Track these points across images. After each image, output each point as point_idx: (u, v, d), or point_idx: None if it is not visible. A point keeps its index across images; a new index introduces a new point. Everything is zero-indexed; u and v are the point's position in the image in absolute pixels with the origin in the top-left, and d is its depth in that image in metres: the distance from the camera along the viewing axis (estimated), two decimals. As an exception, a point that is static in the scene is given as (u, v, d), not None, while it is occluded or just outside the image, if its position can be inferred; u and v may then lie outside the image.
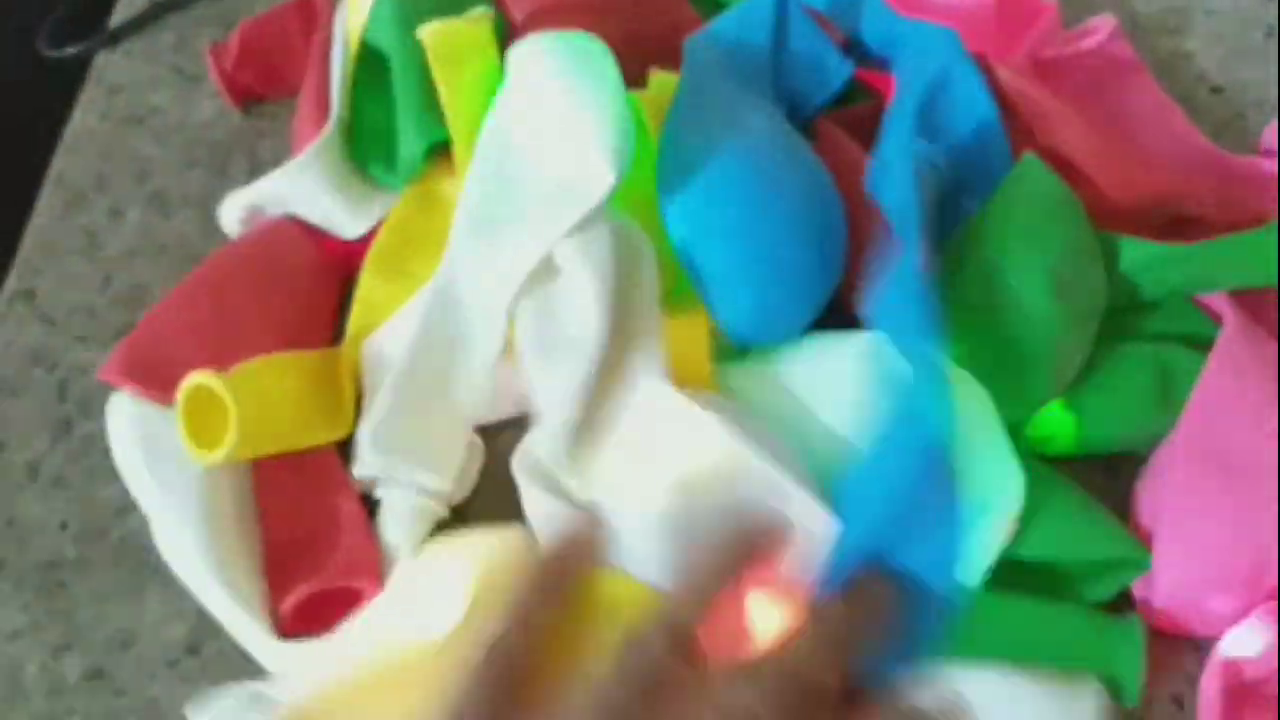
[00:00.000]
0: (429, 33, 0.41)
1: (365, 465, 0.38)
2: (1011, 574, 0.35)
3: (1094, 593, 0.37)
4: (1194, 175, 0.44)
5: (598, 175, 0.37)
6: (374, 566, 0.37)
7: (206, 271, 0.43)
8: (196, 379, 0.37)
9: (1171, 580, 0.36)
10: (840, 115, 0.45)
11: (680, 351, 0.38)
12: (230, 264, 0.43)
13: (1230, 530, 0.36)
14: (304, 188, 0.43)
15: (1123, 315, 0.40)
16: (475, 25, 0.42)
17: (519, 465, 0.38)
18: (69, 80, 0.52)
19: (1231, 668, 0.35)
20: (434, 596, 0.33)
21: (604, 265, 0.37)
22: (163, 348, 0.40)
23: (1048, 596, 0.36)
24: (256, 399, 0.37)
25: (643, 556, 0.32)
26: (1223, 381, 0.37)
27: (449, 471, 0.38)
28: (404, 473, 0.37)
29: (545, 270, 0.38)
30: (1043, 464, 0.37)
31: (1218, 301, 0.39)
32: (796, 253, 0.38)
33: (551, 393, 0.37)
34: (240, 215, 0.45)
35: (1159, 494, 0.37)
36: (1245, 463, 0.36)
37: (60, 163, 0.51)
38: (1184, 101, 0.48)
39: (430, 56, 0.41)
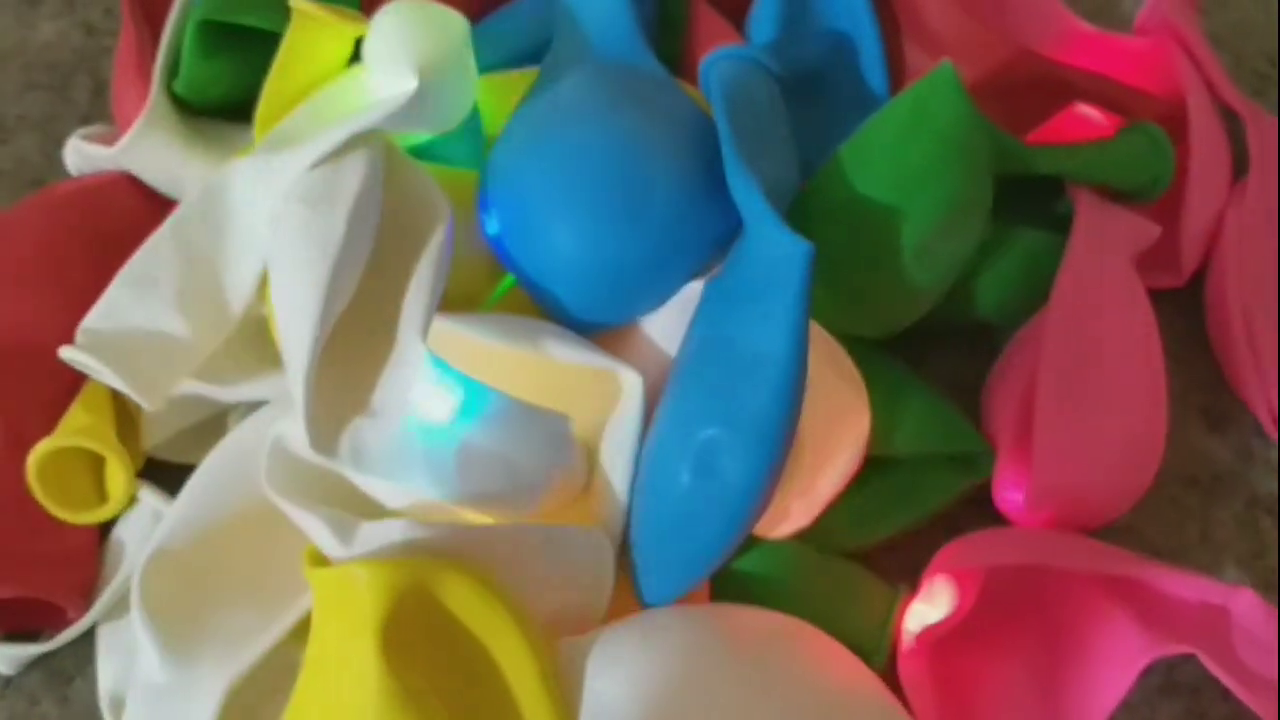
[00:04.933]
0: (298, 2, 0.37)
1: (71, 349, 0.34)
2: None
3: (929, 502, 0.38)
4: (1065, 55, 0.42)
5: (399, 82, 0.34)
6: (87, 589, 0.37)
7: (8, 214, 0.41)
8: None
9: (1045, 482, 0.35)
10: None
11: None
12: (31, 211, 0.40)
13: (1103, 419, 0.36)
14: (142, 161, 0.41)
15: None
16: (346, 20, 0.37)
17: (271, 481, 0.33)
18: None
19: (926, 639, 0.35)
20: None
21: (346, 197, 0.33)
22: None
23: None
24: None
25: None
26: (1085, 266, 0.38)
27: (152, 390, 0.34)
28: (103, 372, 0.33)
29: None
30: (879, 352, 0.38)
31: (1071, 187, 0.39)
32: (592, 220, 0.34)
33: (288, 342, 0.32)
34: (78, 163, 0.43)
35: (1020, 391, 0.38)
36: (1113, 349, 0.37)
37: (-108, 92, 0.49)
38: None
39: (290, 31, 0.37)
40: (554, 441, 0.34)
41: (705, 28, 0.41)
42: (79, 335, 0.34)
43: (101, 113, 0.47)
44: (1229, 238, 0.41)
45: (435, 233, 0.34)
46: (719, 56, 0.36)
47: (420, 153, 0.39)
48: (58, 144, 0.46)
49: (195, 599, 0.34)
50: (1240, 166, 0.43)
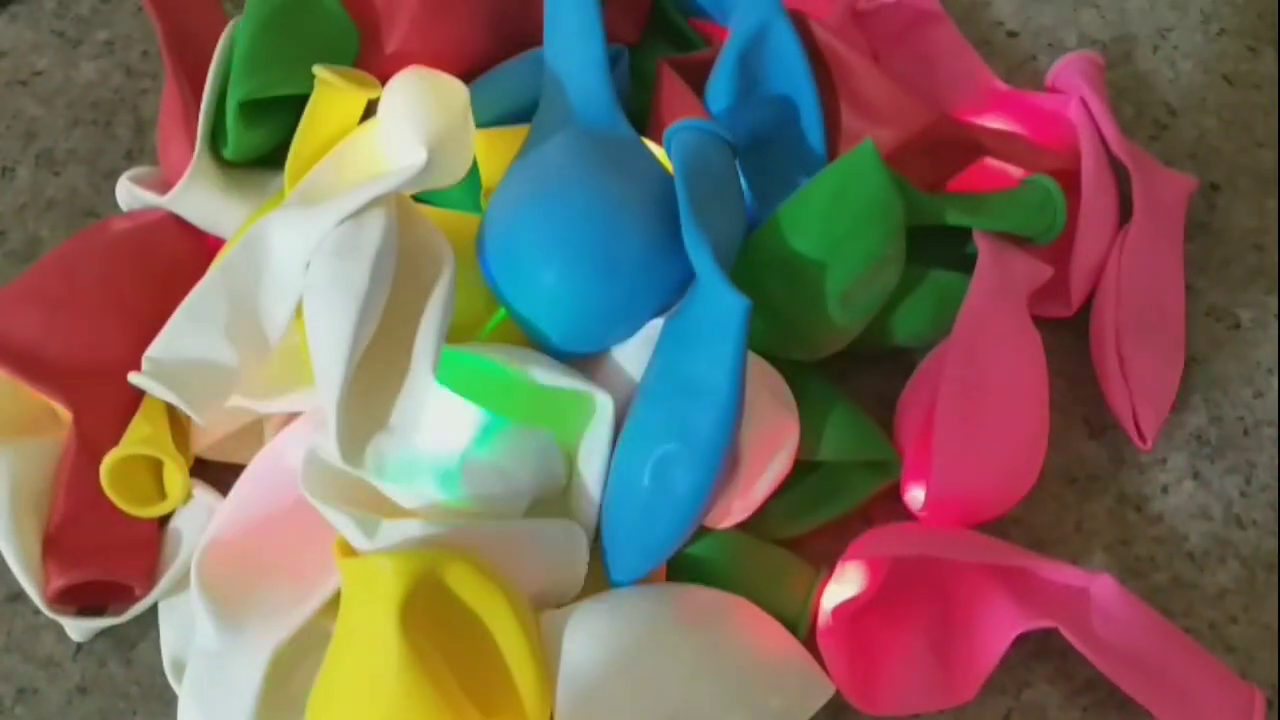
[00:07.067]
0: (321, 72, 0.43)
1: (138, 376, 0.39)
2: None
3: (847, 500, 0.44)
4: (984, 110, 0.49)
5: (412, 154, 0.40)
6: (151, 571, 0.43)
7: (71, 247, 0.46)
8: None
9: (942, 487, 0.41)
10: (682, 61, 0.48)
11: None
12: (92, 245, 0.46)
13: (993, 433, 0.42)
14: (188, 207, 0.47)
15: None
16: (361, 86, 0.43)
17: (308, 485, 0.39)
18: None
19: (840, 614, 0.40)
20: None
21: (369, 251, 0.38)
22: (8, 319, 0.43)
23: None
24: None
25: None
26: (982, 304, 0.44)
27: (205, 408, 0.39)
28: (165, 394, 0.39)
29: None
30: (811, 372, 0.44)
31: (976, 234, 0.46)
32: (572, 267, 0.40)
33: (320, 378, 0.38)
34: (129, 200, 0.49)
35: (925, 407, 0.44)
36: (1003, 374, 0.43)
37: (-57, 127, 0.54)
38: (982, 45, 0.53)
39: (314, 96, 0.43)
40: (540, 454, 0.41)
41: (669, 93, 0.47)
42: (145, 364, 0.41)
43: (143, 147, 0.54)
44: (1110, 275, 0.48)
45: (442, 277, 0.41)
46: (680, 128, 0.43)
47: (423, 197, 0.46)
48: (105, 177, 0.53)
49: (243, 579, 0.41)
50: (1127, 212, 0.50)
